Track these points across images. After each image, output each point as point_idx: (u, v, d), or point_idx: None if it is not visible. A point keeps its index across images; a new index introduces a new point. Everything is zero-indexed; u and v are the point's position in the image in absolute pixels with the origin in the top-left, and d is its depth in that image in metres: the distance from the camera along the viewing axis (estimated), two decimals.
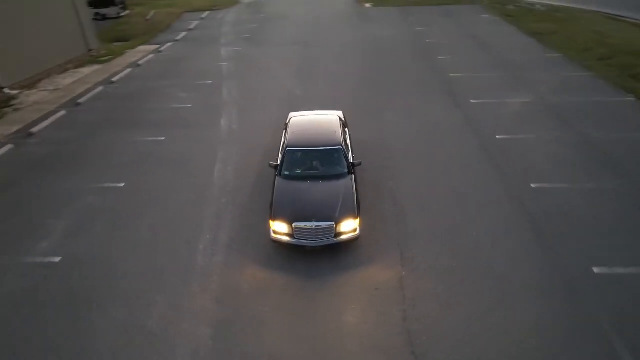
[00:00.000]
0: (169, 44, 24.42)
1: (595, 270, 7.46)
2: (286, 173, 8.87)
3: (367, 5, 32.18)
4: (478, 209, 9.20)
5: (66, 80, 19.19)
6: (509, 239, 8.35)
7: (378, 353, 6.26)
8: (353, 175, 8.84)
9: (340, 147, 9.08)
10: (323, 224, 7.73)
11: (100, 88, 17.64)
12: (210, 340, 6.54)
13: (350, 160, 9.26)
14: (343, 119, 11.17)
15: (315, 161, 9.07)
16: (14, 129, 14.08)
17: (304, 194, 8.37)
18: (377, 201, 9.61)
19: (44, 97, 17.06)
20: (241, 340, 6.55)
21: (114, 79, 18.76)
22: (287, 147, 9.19)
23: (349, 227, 7.88)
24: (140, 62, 21.09)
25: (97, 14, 31.31)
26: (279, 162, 9.04)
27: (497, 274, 7.52)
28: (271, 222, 7.95)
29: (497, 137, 12.21)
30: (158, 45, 24.22)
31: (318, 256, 8.02)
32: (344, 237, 7.89)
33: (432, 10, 29.31)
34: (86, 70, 20.57)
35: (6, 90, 17.67)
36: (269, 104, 15.06)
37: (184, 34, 26.70)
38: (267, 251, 8.20)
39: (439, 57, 19.38)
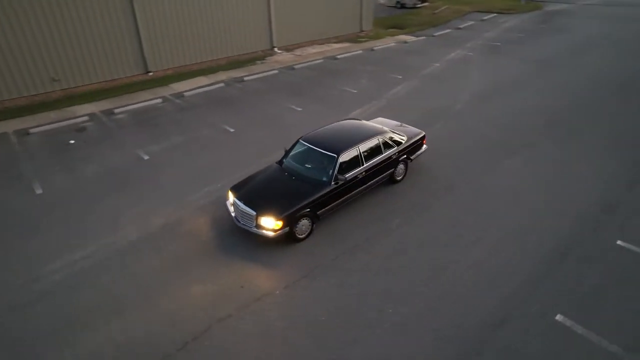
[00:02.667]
0: (422, 38, 25.26)
1: None
2: (283, 160, 9.35)
3: None
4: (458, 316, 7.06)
5: (314, 50, 23.47)
6: None
7: (162, 327, 6.71)
8: (332, 188, 8.46)
9: (334, 156, 8.66)
10: (247, 209, 8.11)
11: (321, 60, 20.90)
12: (126, 241, 8.54)
13: (352, 174, 8.78)
14: (403, 139, 10.09)
15: (310, 160, 9.09)
16: (241, 74, 19.07)
17: (266, 181, 8.77)
18: (365, 229, 8.72)
19: (285, 59, 21.74)
20: (137, 258, 8.17)
21: (340, 56, 21.63)
22: (299, 137, 9.51)
23: (269, 224, 7.90)
24: (376, 48, 23.14)
25: (397, 2, 35.06)
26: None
27: None
28: (229, 190, 8.88)
29: (619, 242, 8.07)
30: (412, 37, 25.48)
31: (251, 240, 8.46)
32: (264, 231, 8.00)
33: None
34: (336, 46, 24.31)
35: (275, 49, 23.48)
36: (414, 108, 14.43)
37: (446, 31, 26.76)
38: (229, 216, 9.21)
39: None
